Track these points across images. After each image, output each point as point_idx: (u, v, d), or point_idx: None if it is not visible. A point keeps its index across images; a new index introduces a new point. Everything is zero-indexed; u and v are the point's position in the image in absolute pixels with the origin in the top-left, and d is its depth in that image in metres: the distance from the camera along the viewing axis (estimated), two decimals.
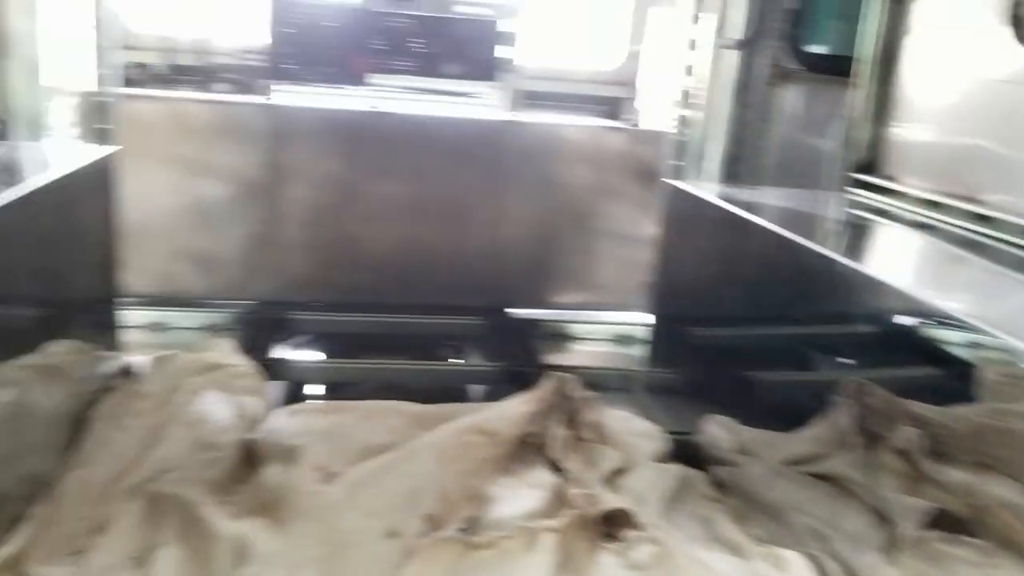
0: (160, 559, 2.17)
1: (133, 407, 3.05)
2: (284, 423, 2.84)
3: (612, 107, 6.05)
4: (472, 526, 2.33)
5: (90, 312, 3.22)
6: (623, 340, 4.61)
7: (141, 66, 5.59)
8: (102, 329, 3.40)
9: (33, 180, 2.56)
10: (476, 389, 3.90)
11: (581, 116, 5.54)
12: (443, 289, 4.70)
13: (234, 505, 2.46)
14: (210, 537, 2.25)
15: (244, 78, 5.68)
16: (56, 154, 3.16)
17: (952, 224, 2.94)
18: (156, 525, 2.38)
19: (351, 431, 2.72)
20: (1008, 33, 3.09)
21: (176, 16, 5.45)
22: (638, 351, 4.48)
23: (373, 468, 2.47)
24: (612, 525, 2.39)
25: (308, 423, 2.78)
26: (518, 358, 4.09)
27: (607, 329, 4.68)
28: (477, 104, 5.98)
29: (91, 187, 3.09)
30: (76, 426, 2.84)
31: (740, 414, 3.25)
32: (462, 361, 4.33)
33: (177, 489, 2.47)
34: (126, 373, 3.33)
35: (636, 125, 5.06)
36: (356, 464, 2.52)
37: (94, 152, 3.22)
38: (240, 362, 3.54)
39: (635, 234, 4.74)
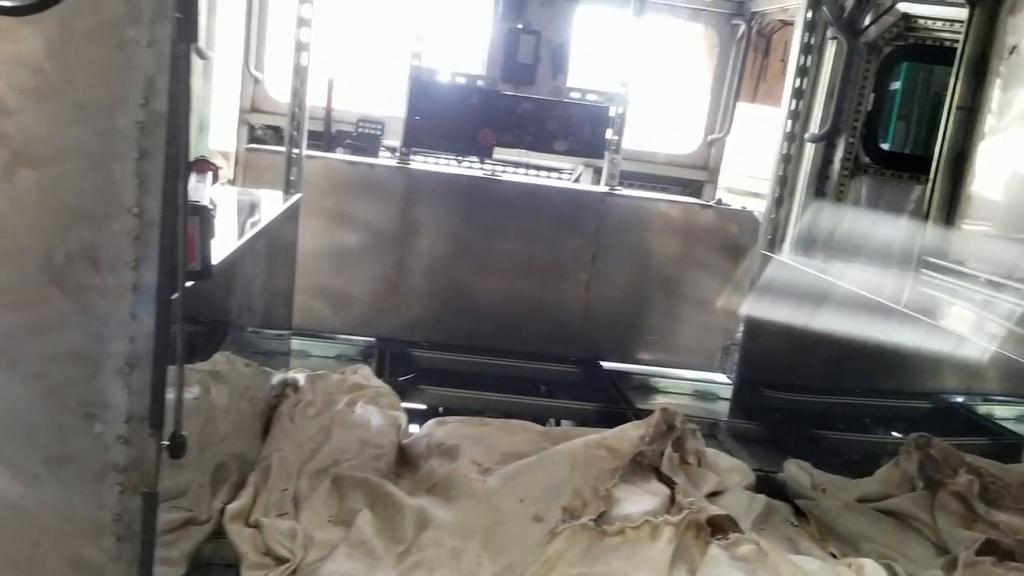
0: (359, 519, 2.71)
1: (303, 411, 3.65)
2: (436, 430, 3.41)
3: (689, 188, 6.66)
4: (602, 518, 2.85)
5: (278, 331, 3.82)
6: (703, 395, 5.10)
7: (274, 128, 6.34)
8: (282, 347, 4.01)
9: (263, 217, 3.19)
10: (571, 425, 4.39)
11: (664, 194, 6.14)
12: (542, 339, 5.24)
13: (405, 487, 3.02)
14: (396, 506, 2.81)
15: (363, 144, 6.40)
16: (258, 198, 3.80)
17: (1010, 302, 3.44)
18: (344, 498, 2.94)
19: (495, 439, 3.27)
20: None
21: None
22: (717, 406, 4.96)
23: (520, 467, 3.00)
24: (716, 530, 2.89)
25: (459, 431, 3.34)
26: (608, 403, 4.60)
27: (689, 384, 5.17)
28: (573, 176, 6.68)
29: (287, 225, 3.73)
30: (265, 421, 3.44)
31: (814, 460, 3.74)
32: (559, 400, 4.84)
33: (357, 473, 3.04)
34: (290, 385, 3.94)
35: (720, 203, 5.60)
36: (503, 463, 3.06)
37: (288, 198, 3.86)
38: (379, 384, 4.14)
39: (717, 301, 5.27)
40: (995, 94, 3.91)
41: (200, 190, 2.76)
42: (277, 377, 3.75)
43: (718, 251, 5.27)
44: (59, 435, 1.52)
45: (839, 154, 5.16)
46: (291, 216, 3.82)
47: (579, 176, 6.77)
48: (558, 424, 4.37)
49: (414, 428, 3.62)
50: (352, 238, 5.09)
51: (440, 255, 5.21)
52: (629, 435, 3.28)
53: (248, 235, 2.73)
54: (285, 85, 5.02)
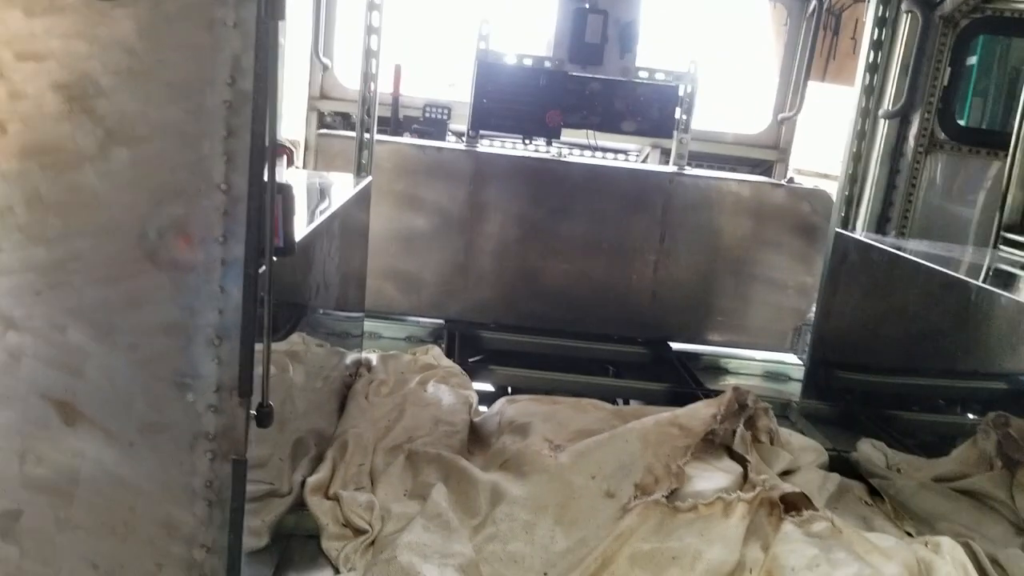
0: (435, 493, 2.77)
1: (376, 389, 3.73)
2: (507, 408, 3.45)
3: (759, 167, 6.56)
4: (674, 495, 2.86)
5: (352, 312, 3.90)
6: (774, 376, 5.05)
7: (343, 115, 6.44)
8: (355, 328, 4.09)
9: (336, 199, 3.25)
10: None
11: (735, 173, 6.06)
12: (610, 320, 5.24)
13: (477, 463, 3.07)
14: (470, 481, 2.86)
15: (430, 128, 6.45)
16: (333, 180, 3.88)
17: None
18: (418, 473, 3.00)
19: (567, 417, 3.30)
20: None
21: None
22: (788, 387, 4.92)
23: (591, 443, 3.02)
24: (789, 508, 2.87)
25: (530, 409, 3.38)
26: (677, 384, 4.59)
27: (759, 365, 5.13)
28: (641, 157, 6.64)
29: (359, 208, 3.80)
30: (340, 399, 3.53)
31: (888, 440, 3.68)
32: (627, 380, 4.84)
33: (431, 449, 3.10)
34: (364, 364, 4.03)
35: (792, 181, 5.51)
36: (575, 440, 3.09)
37: (359, 181, 3.93)
38: (450, 364, 4.21)
39: (789, 281, 5.21)
40: None
41: (277, 172, 2.85)
42: (351, 357, 3.83)
43: (790, 230, 5.20)
44: (153, 404, 1.59)
45: (914, 130, 5.04)
46: (363, 199, 3.89)
47: (647, 157, 6.73)
48: (627, 404, 4.38)
49: (484, 408, 3.67)
50: (421, 221, 5.15)
51: (508, 237, 5.24)
52: (701, 413, 3.28)
53: (323, 216, 2.79)
54: (353, 72, 5.10)
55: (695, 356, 5.16)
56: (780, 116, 6.35)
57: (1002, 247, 3.85)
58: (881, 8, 4.23)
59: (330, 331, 3.26)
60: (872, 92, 4.23)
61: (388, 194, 5.02)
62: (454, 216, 5.19)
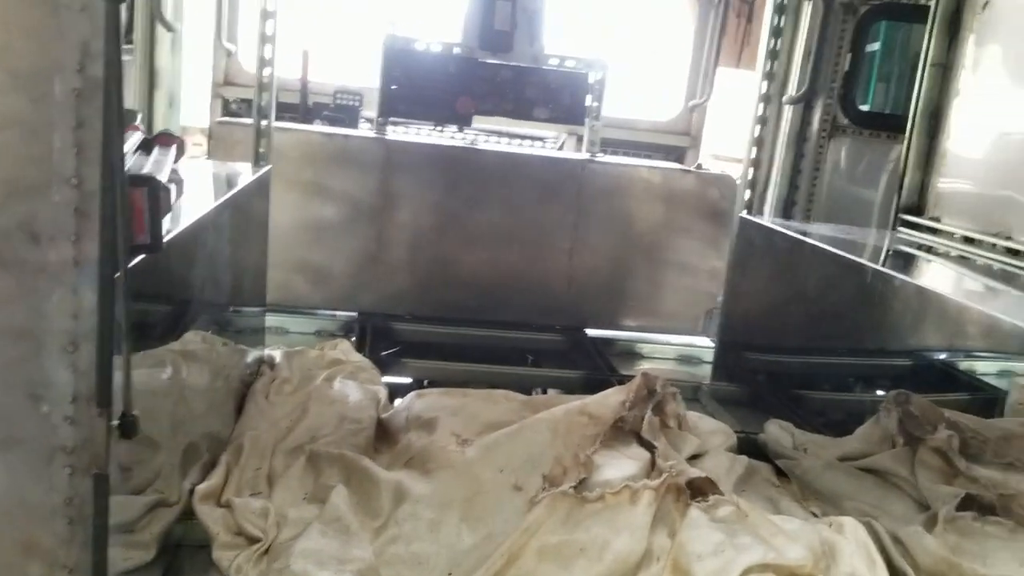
0: (334, 496, 2.68)
1: (279, 388, 3.62)
2: (415, 403, 3.38)
3: (672, 154, 6.61)
4: (582, 485, 2.83)
5: (251, 307, 3.78)
6: (686, 359, 5.09)
7: (248, 102, 6.26)
8: (256, 324, 3.97)
9: (229, 188, 3.13)
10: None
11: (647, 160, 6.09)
12: (527, 308, 5.20)
13: (383, 462, 2.99)
14: (372, 481, 2.78)
15: (340, 115, 6.32)
16: (230, 170, 3.74)
17: (986, 257, 3.44)
18: (319, 474, 2.91)
19: (476, 409, 3.24)
20: None
21: (284, 58, 6.10)
22: (701, 370, 4.95)
23: (500, 436, 2.98)
24: (696, 493, 2.87)
25: (439, 402, 3.31)
26: (593, 371, 4.58)
27: (672, 349, 5.16)
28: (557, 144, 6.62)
29: (257, 198, 3.67)
30: (239, 400, 3.41)
31: (796, 420, 3.73)
32: (544, 369, 4.81)
33: (333, 449, 3.01)
34: (266, 362, 3.91)
35: (700, 167, 5.55)
36: (484, 434, 3.04)
37: (259, 169, 3.81)
38: (359, 358, 4.11)
39: (700, 265, 5.24)
40: (969, 50, 3.88)
41: (162, 163, 2.71)
42: (252, 355, 3.71)
43: (700, 215, 5.23)
44: (4, 416, 1.47)
45: (817, 115, 5.12)
46: (261, 189, 3.76)
47: (563, 144, 6.71)
48: (544, 393, 4.34)
49: (400, 402, 3.59)
50: (330, 211, 5.03)
51: (421, 226, 5.15)
52: (610, 401, 3.26)
53: (209, 208, 2.67)
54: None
55: (610, 342, 5.17)
56: (691, 103, 6.39)
57: (900, 229, 3.93)
58: None
59: (225, 328, 3.14)
60: (773, 78, 4.27)
61: (295, 184, 4.90)
62: (365, 206, 5.08)
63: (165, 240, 1.79)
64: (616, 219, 5.29)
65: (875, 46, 5.94)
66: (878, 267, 3.33)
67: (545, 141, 6.76)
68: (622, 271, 5.32)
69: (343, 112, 6.23)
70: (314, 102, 6.34)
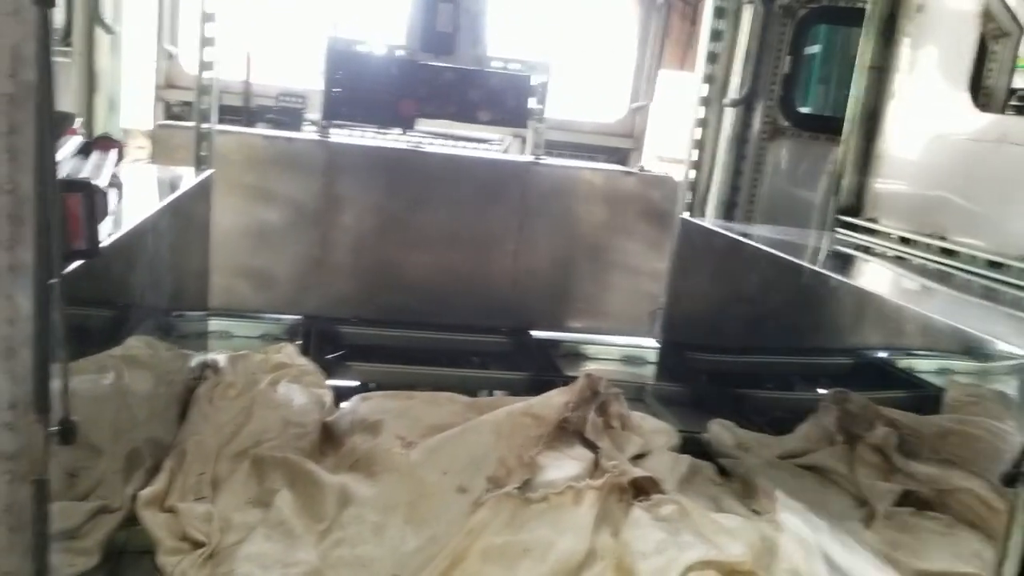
0: (278, 499, 2.67)
1: (223, 392, 3.59)
2: (360, 406, 3.38)
3: (617, 155, 6.67)
4: (526, 486, 2.86)
5: (193, 312, 3.73)
6: (631, 360, 5.14)
7: (190, 104, 6.17)
8: (199, 328, 3.92)
9: (168, 193, 3.10)
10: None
11: (590, 162, 6.14)
12: (472, 310, 5.20)
13: (328, 465, 2.98)
14: (316, 484, 2.77)
15: (284, 118, 6.27)
16: (169, 174, 3.69)
17: (922, 257, 3.54)
18: (264, 478, 2.90)
19: (420, 412, 3.25)
20: (967, 99, 3.72)
21: (226, 61, 6.02)
22: (645, 370, 5.01)
23: (443, 438, 3.00)
24: (639, 492, 2.92)
25: (383, 405, 3.32)
26: (538, 372, 4.60)
27: (617, 350, 5.21)
28: (503, 147, 6.63)
29: (198, 202, 3.63)
30: (182, 405, 3.37)
31: (738, 419, 3.80)
32: (490, 371, 4.82)
33: (277, 453, 2.99)
34: (210, 367, 3.86)
35: (643, 169, 5.61)
36: (428, 436, 3.05)
37: (200, 174, 3.76)
38: (304, 362, 4.09)
39: (643, 267, 5.30)
40: (904, 52, 3.98)
41: (101, 168, 2.68)
42: (196, 359, 3.67)
43: (642, 217, 5.29)
44: None
45: (758, 118, 5.20)
46: (202, 193, 3.72)
47: (508, 147, 6.72)
48: (491, 395, 4.36)
49: (345, 406, 3.58)
50: (274, 215, 4.98)
51: (365, 229, 5.13)
52: (554, 402, 3.30)
53: (149, 213, 2.64)
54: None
55: (555, 343, 5.20)
56: (634, 105, 6.46)
57: (838, 230, 4.03)
58: None
59: (165, 333, 3.11)
60: (713, 81, 4.34)
61: (237, 187, 4.84)
62: (308, 209, 5.04)
63: (103, 245, 1.77)
64: (560, 221, 5.32)
65: (814, 49, 6.05)
66: (816, 268, 3.41)
67: (490, 144, 6.77)
68: (566, 273, 5.36)
69: (286, 115, 6.16)
70: (257, 105, 6.27)
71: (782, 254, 3.50)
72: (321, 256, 5.05)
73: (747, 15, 5.05)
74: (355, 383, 4.15)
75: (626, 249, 5.33)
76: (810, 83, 6.22)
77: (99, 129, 4.90)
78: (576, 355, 5.17)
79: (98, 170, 2.47)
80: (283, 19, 7.07)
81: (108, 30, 4.57)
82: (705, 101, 4.31)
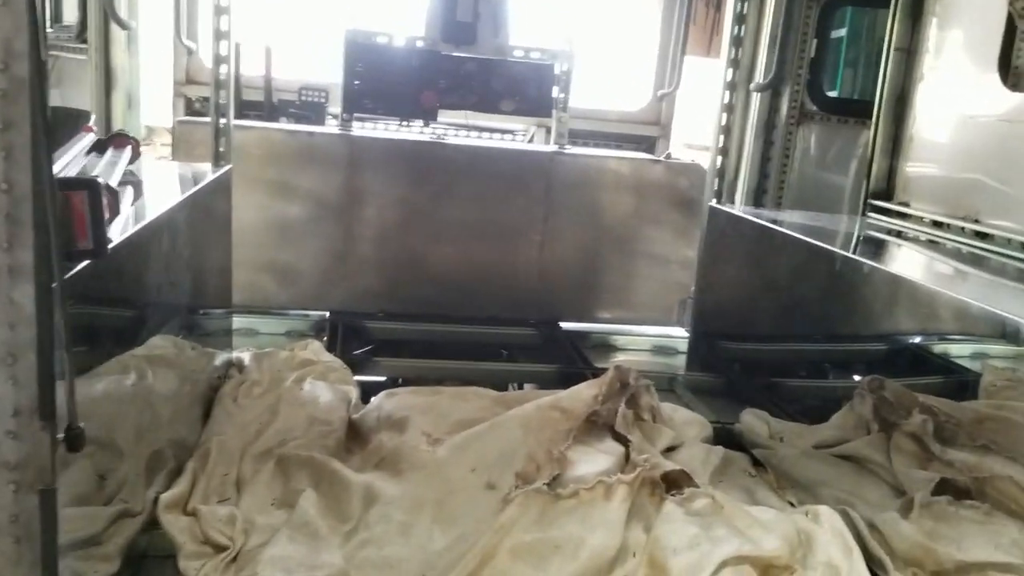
0: (303, 500, 2.62)
1: (248, 391, 3.55)
2: (386, 403, 3.32)
3: (643, 144, 6.58)
4: (556, 482, 2.79)
5: (216, 309, 3.70)
6: (661, 350, 5.06)
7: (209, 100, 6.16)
8: (223, 326, 3.89)
9: (185, 189, 3.06)
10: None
11: (616, 151, 6.05)
12: (499, 302, 5.15)
13: (354, 464, 2.94)
14: (342, 484, 2.72)
15: (307, 112, 6.24)
16: (191, 170, 3.67)
17: (955, 240, 3.44)
18: (288, 478, 2.85)
19: (446, 408, 3.19)
20: (996, 79, 3.61)
21: (248, 56, 6.01)
22: (676, 360, 4.93)
23: (471, 434, 2.93)
24: (671, 486, 2.84)
25: (409, 402, 3.26)
26: (568, 364, 4.54)
27: (647, 341, 5.13)
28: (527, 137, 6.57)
29: (217, 198, 3.60)
30: (206, 404, 3.34)
31: (771, 409, 3.71)
32: (518, 363, 4.77)
33: (303, 452, 2.95)
34: (235, 365, 3.84)
35: (669, 157, 5.51)
36: (455, 432, 2.99)
37: (218, 168, 3.73)
38: (330, 359, 4.04)
39: (672, 256, 5.21)
40: (932, 34, 3.87)
41: (114, 165, 2.64)
42: (220, 357, 3.64)
43: (670, 205, 5.20)
44: None
45: (785, 102, 5.10)
46: (221, 188, 3.68)
47: (532, 137, 6.66)
48: (520, 388, 4.30)
49: (371, 402, 3.52)
50: (296, 209, 4.95)
51: (389, 222, 5.08)
52: (583, 395, 3.22)
53: (163, 210, 2.60)
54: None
55: (585, 335, 5.12)
56: (660, 92, 6.36)
57: (870, 214, 3.93)
58: None
59: (188, 331, 3.07)
60: (738, 65, 4.25)
61: (259, 182, 4.81)
62: (331, 203, 5.00)
63: (112, 245, 1.72)
64: (586, 211, 5.25)
65: (841, 32, 5.94)
66: (849, 254, 3.32)
67: (515, 134, 6.70)
68: (594, 263, 5.28)
69: (309, 109, 6.15)
70: (280, 99, 6.26)
71: (814, 240, 3.40)
72: (345, 250, 5.02)
73: None
74: (382, 378, 4.12)
75: (654, 238, 5.24)
76: (837, 66, 6.10)
77: (118, 126, 4.90)
78: (605, 346, 5.10)
79: (111, 167, 2.43)
80: (303, 13, 7.06)
81: (124, 26, 4.56)
82: (731, 86, 4.22)
